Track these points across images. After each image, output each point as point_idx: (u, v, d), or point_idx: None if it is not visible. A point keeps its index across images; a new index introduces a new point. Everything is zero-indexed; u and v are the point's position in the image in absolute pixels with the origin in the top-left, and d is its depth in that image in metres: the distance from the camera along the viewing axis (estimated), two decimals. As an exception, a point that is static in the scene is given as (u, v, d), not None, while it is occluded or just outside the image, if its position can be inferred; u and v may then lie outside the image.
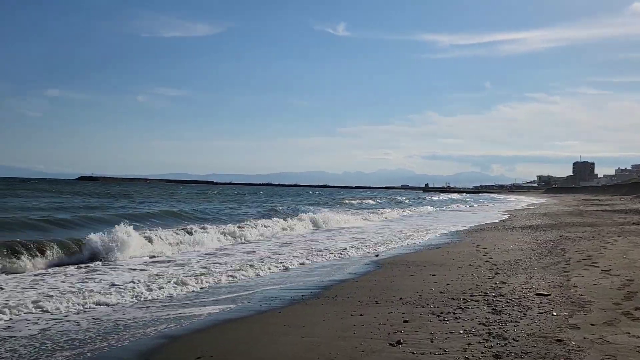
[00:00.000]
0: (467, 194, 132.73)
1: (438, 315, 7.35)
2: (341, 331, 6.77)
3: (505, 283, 9.68)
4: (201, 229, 19.48)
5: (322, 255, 15.28)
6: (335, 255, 15.27)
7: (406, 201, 63.46)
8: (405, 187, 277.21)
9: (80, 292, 9.38)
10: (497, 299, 8.33)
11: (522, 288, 9.13)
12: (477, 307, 7.78)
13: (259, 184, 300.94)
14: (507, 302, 8.08)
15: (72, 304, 8.55)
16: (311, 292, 9.82)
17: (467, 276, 10.70)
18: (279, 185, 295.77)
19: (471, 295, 8.66)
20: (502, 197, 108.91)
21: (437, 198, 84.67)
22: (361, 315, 7.64)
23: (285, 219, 25.24)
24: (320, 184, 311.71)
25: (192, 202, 49.13)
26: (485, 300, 8.28)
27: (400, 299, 8.69)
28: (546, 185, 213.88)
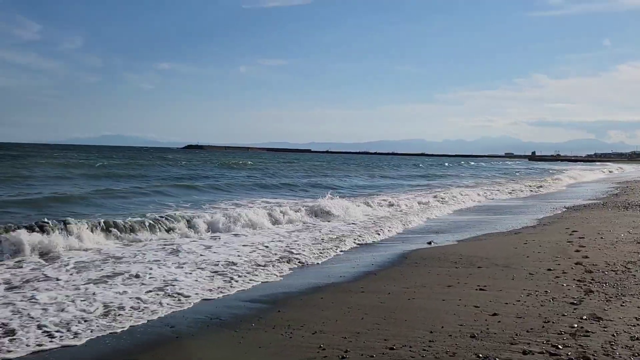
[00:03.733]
0: (578, 163, 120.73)
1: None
2: None
3: (599, 320, 5.40)
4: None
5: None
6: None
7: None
8: (509, 156, 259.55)
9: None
10: (576, 367, 4.20)
11: (633, 337, 4.86)
12: (526, 395, 3.74)
13: (356, 152, 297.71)
14: (596, 380, 3.94)
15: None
16: (265, 307, 6.25)
17: (536, 295, 6.49)
18: (375, 153, 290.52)
19: (524, 352, 4.57)
20: (617, 166, 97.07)
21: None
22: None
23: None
24: (418, 153, 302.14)
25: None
26: (548, 370, 4.17)
27: (391, 349, 4.80)
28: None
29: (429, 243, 11.69)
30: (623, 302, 6.01)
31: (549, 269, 7.99)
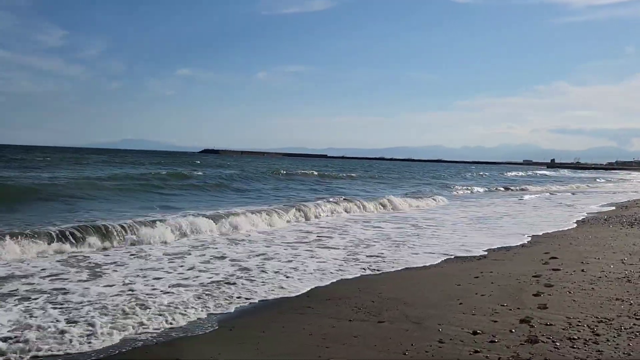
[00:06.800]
0: (598, 171, 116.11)
1: None
2: None
3: None
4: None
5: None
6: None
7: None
8: (527, 163, 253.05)
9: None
10: None
11: None
12: None
13: (371, 158, 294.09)
14: None
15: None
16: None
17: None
18: (391, 159, 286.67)
19: None
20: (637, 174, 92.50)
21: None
22: None
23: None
24: (435, 159, 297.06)
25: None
26: None
27: None
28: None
29: (365, 269, 9.02)
30: None
31: (475, 332, 5.20)
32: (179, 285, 7.38)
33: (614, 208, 21.37)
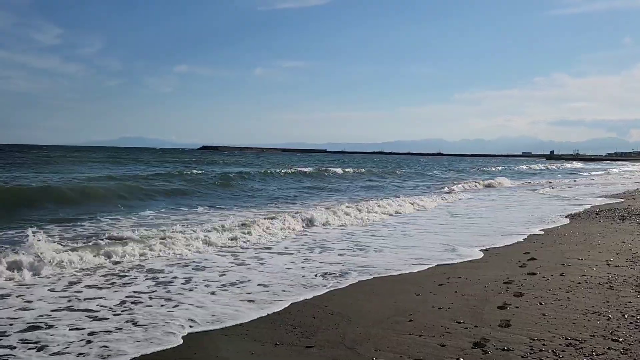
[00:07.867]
0: (604, 162, 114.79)
1: None
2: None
3: None
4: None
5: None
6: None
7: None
8: (527, 155, 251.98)
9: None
10: None
11: None
12: None
13: (370, 152, 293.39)
14: None
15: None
16: None
17: None
18: (390, 153, 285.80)
19: None
20: (635, 165, 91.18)
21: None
22: None
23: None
24: (435, 152, 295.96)
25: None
26: None
27: None
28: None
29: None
30: None
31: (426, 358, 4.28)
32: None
33: (622, 200, 20.39)
